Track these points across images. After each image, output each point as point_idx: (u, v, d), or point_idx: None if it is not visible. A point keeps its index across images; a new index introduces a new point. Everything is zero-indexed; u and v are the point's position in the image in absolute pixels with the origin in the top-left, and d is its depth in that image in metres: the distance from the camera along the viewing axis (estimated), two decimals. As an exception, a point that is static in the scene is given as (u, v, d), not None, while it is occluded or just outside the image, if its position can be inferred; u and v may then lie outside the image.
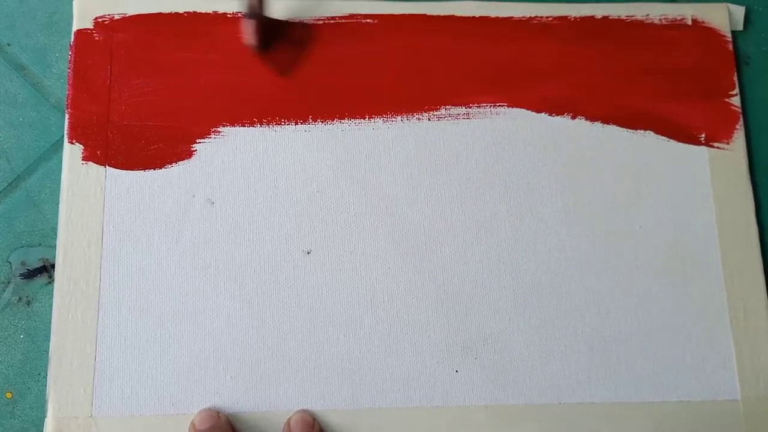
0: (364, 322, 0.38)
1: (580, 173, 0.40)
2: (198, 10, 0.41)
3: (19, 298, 0.38)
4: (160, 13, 0.41)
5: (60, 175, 0.38)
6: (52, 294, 0.37)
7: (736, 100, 0.42)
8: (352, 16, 0.42)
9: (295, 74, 0.41)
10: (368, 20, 0.42)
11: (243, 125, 0.40)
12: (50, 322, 0.37)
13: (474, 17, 0.42)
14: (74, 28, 0.40)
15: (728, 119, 0.41)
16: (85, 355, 0.36)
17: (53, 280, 0.38)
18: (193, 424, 0.35)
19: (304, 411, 0.36)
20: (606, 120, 0.41)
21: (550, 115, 0.41)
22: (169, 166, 0.39)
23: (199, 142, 0.39)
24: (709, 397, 0.37)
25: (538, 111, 0.41)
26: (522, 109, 0.41)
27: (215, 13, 0.41)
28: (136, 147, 0.39)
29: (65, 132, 0.39)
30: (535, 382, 0.37)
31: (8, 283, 0.38)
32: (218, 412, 0.35)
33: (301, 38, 0.41)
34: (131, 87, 0.40)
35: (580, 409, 0.37)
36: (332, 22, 0.41)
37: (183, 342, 0.37)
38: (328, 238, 0.38)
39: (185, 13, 0.41)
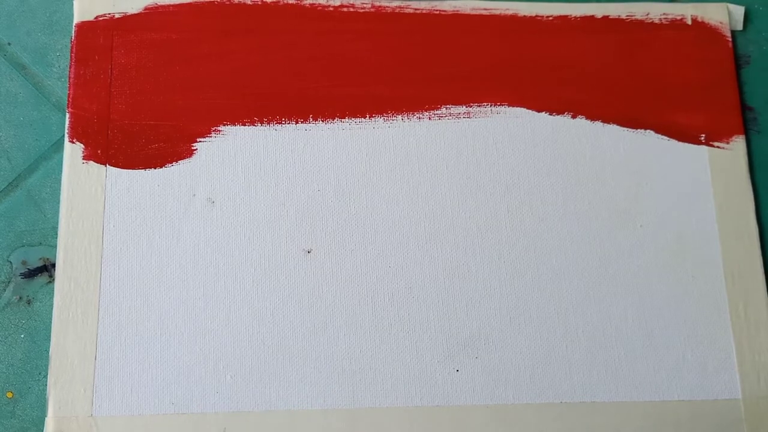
0: (364, 321, 0.38)
1: (581, 172, 0.40)
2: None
3: (20, 298, 0.38)
4: (161, 12, 0.41)
5: (60, 174, 0.38)
6: (53, 293, 0.37)
7: (736, 100, 0.42)
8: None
9: (296, 73, 0.41)
10: (367, 18, 0.42)
11: (243, 124, 0.40)
12: (51, 322, 0.36)
13: (475, 15, 0.42)
14: (75, 27, 0.40)
15: (728, 119, 0.41)
16: (85, 354, 0.36)
17: (54, 280, 0.38)
18: None
19: None
20: (606, 119, 0.41)
21: (550, 114, 0.41)
22: (170, 165, 0.39)
23: (200, 141, 0.39)
24: (710, 396, 0.37)
25: (539, 110, 0.41)
26: (523, 109, 0.41)
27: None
28: (137, 146, 0.39)
29: (66, 131, 0.39)
30: (536, 381, 0.37)
31: (9, 282, 0.38)
32: None
33: None
34: (132, 86, 0.40)
35: (581, 409, 0.37)
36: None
37: (183, 341, 0.37)
38: (328, 237, 0.38)
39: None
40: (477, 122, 0.41)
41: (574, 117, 0.41)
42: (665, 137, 0.41)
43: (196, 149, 0.39)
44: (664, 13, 0.43)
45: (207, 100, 0.40)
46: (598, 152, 0.41)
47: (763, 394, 0.37)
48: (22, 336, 0.38)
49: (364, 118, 0.40)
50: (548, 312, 0.38)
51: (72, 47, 0.40)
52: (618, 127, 0.41)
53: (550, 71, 0.42)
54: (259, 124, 0.40)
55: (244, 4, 0.41)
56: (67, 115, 0.39)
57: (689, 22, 0.43)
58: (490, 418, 0.37)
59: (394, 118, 0.40)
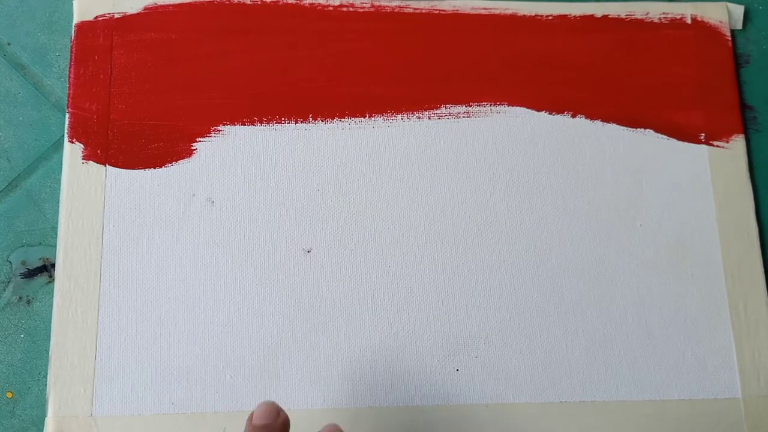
0: (364, 321, 0.38)
1: (581, 172, 0.40)
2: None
3: (20, 298, 0.38)
4: (160, 12, 0.41)
5: (60, 174, 0.38)
6: (53, 293, 0.37)
7: (735, 99, 0.42)
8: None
9: (295, 73, 0.41)
10: (367, 18, 0.42)
11: (243, 124, 0.40)
12: (50, 322, 0.37)
13: (474, 15, 0.42)
14: (74, 27, 0.40)
15: (728, 118, 0.41)
16: (85, 354, 0.36)
17: (53, 280, 0.38)
18: (251, 415, 0.32)
19: (335, 425, 0.32)
20: (606, 118, 0.41)
21: (550, 113, 0.41)
22: (169, 165, 0.39)
23: (199, 141, 0.39)
24: (710, 395, 0.37)
25: (539, 110, 0.41)
26: (522, 108, 0.41)
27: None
28: (136, 146, 0.39)
29: (65, 131, 0.39)
30: (536, 380, 0.37)
31: (8, 282, 0.38)
32: (279, 410, 0.32)
33: None
34: (131, 86, 0.40)
35: (581, 408, 0.37)
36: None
37: (183, 341, 0.37)
38: (328, 236, 0.38)
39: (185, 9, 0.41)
40: (476, 122, 0.41)
41: (573, 116, 0.41)
42: (665, 136, 0.41)
43: (196, 149, 0.39)
44: (663, 13, 0.43)
45: (207, 100, 0.40)
46: (597, 151, 0.41)
47: (762, 393, 0.38)
48: (22, 336, 0.38)
49: (364, 117, 0.40)
50: (548, 311, 0.38)
51: (72, 47, 0.40)
52: (617, 126, 0.41)
53: (549, 70, 0.42)
54: (259, 124, 0.40)
55: (244, 3, 0.41)
56: (67, 115, 0.39)
57: (689, 21, 0.43)
58: (489, 417, 0.37)
59: (393, 117, 0.40)
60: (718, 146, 0.41)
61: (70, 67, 0.40)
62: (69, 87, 0.40)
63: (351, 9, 0.42)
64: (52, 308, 0.37)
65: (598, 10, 0.43)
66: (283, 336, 0.37)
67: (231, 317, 0.37)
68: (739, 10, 0.43)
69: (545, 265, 0.39)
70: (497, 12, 0.42)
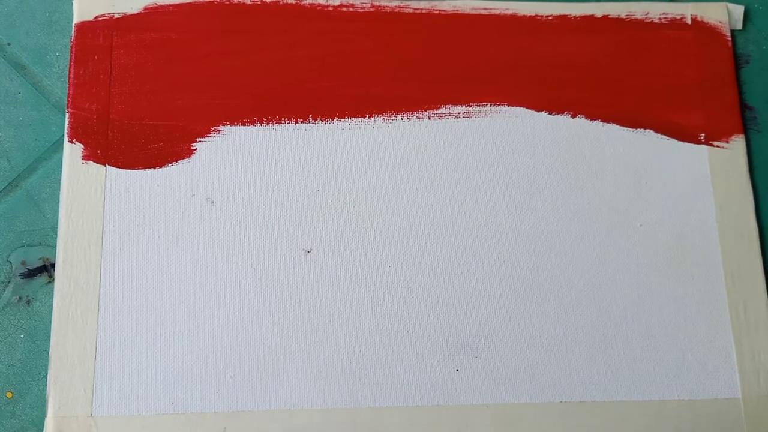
0: (364, 321, 0.38)
1: (581, 172, 0.40)
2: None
3: (19, 298, 0.38)
4: (160, 12, 0.41)
5: (60, 174, 0.38)
6: (52, 293, 0.37)
7: (735, 100, 0.42)
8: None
9: (295, 73, 0.41)
10: (367, 18, 0.42)
11: (243, 124, 0.40)
12: (50, 322, 0.37)
13: (474, 15, 0.42)
14: (74, 27, 0.40)
15: (728, 118, 0.41)
16: (85, 354, 0.36)
17: (53, 280, 0.38)
18: None
19: None
20: (606, 119, 0.41)
21: (550, 113, 0.41)
22: (169, 165, 0.39)
23: (200, 141, 0.39)
24: (709, 395, 0.37)
25: (538, 110, 0.41)
26: (522, 108, 0.41)
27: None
28: (136, 146, 0.39)
29: (65, 131, 0.39)
30: (536, 380, 0.37)
31: (8, 282, 0.38)
32: None
33: None
34: (131, 86, 0.40)
35: (581, 408, 0.37)
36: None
37: (183, 341, 0.37)
38: (328, 237, 0.38)
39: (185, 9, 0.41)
40: (476, 122, 0.41)
41: (573, 116, 0.41)
42: (665, 137, 0.41)
43: (196, 149, 0.39)
44: (663, 13, 0.43)
45: (207, 100, 0.40)
46: (597, 152, 0.41)
47: (762, 394, 0.38)
48: (22, 336, 0.38)
49: (364, 117, 0.40)
50: (548, 312, 0.38)
51: (71, 47, 0.40)
52: (617, 126, 0.41)
53: (549, 71, 0.42)
54: (259, 124, 0.40)
55: (244, 3, 0.41)
56: (67, 115, 0.39)
57: (689, 22, 0.43)
58: (490, 417, 0.37)
59: (393, 117, 0.40)
60: (718, 146, 0.41)
61: (70, 67, 0.40)
62: (69, 87, 0.40)
63: (351, 9, 0.42)
64: (52, 308, 0.37)
65: (598, 10, 0.43)
66: (283, 336, 0.37)
67: (231, 317, 0.37)
68: (739, 11, 0.43)
69: (545, 265, 0.39)
70: (497, 12, 0.42)
